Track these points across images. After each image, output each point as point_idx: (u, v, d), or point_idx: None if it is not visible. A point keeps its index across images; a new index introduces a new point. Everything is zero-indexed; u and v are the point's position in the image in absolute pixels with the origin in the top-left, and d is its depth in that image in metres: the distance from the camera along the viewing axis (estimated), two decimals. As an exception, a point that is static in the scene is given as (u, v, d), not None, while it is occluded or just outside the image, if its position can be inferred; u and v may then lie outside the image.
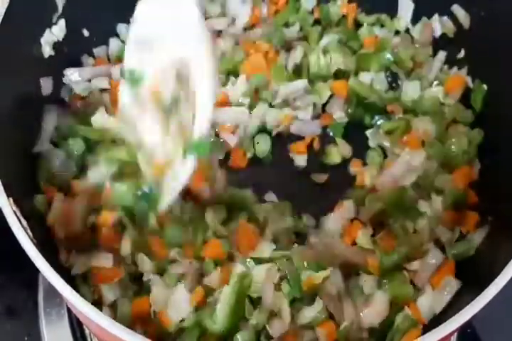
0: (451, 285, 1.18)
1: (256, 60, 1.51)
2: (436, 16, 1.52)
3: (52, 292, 1.37)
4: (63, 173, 1.28)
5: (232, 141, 1.43)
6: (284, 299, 1.16)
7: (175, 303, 1.13)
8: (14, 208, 1.00)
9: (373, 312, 1.16)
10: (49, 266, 0.93)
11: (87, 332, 1.35)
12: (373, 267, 1.21)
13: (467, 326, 1.31)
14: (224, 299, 1.11)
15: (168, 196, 1.08)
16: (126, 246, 1.20)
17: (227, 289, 1.12)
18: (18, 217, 0.99)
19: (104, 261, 1.16)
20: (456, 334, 1.30)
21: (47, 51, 1.33)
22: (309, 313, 1.15)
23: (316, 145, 1.47)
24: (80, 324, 1.35)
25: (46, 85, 1.35)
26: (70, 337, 1.34)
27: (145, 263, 1.20)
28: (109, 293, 1.14)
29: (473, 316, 0.92)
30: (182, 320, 1.13)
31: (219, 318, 1.10)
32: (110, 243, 1.20)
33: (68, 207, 1.19)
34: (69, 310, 1.35)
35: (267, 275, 1.16)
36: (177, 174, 1.06)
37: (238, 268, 1.16)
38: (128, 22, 1.54)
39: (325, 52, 1.52)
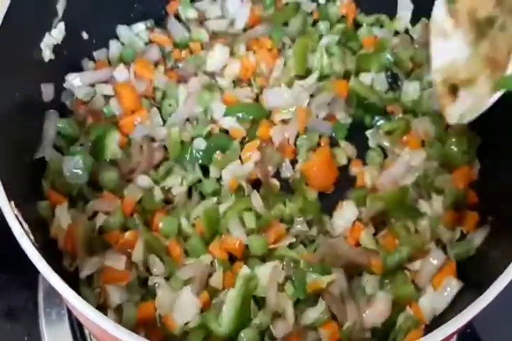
0: (452, 285, 1.18)
1: (261, 55, 1.52)
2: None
3: (52, 292, 1.37)
4: (73, 181, 1.27)
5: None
6: (288, 300, 1.17)
7: (181, 307, 1.13)
8: (16, 212, 1.00)
9: (376, 313, 1.17)
10: (51, 270, 0.93)
11: (86, 332, 1.35)
12: (376, 267, 1.21)
13: (467, 326, 1.31)
14: (229, 302, 1.11)
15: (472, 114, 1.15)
16: (139, 252, 1.20)
17: (232, 292, 1.13)
18: (19, 221, 0.99)
19: (117, 262, 1.16)
20: (456, 334, 1.30)
21: (47, 55, 1.33)
22: (312, 314, 1.16)
23: (324, 145, 1.47)
24: (80, 324, 1.35)
25: (47, 91, 1.35)
26: (70, 337, 1.34)
27: (157, 266, 1.21)
28: (115, 296, 1.14)
29: (474, 316, 0.92)
30: (187, 323, 1.13)
31: (224, 321, 1.10)
32: (123, 246, 1.21)
33: (73, 224, 1.19)
34: (69, 311, 1.35)
35: (271, 275, 1.17)
36: (480, 95, 1.12)
37: (244, 271, 1.17)
38: (127, 23, 1.55)
39: (327, 51, 1.52)
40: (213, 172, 1.37)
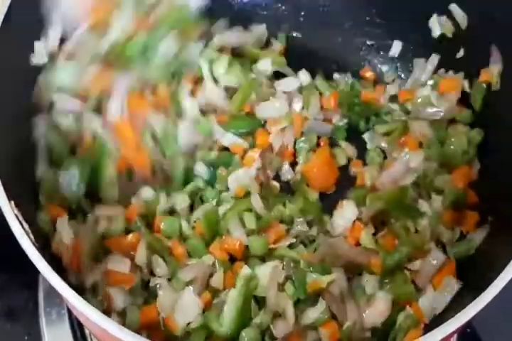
0: (452, 285, 1.18)
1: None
2: (434, 16, 1.51)
3: (52, 292, 1.36)
4: (71, 194, 1.22)
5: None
6: (289, 300, 1.17)
7: (183, 307, 1.13)
8: (16, 212, 0.99)
9: (376, 312, 1.17)
10: (51, 270, 0.93)
11: (87, 332, 1.35)
12: (376, 267, 1.21)
13: (467, 326, 1.32)
14: (230, 302, 1.12)
15: None
16: (141, 255, 1.21)
17: (233, 292, 1.13)
18: (19, 221, 0.99)
19: (121, 266, 1.16)
20: (455, 334, 1.31)
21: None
22: (312, 314, 1.16)
23: (324, 145, 1.47)
24: (80, 324, 1.35)
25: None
26: (70, 337, 1.34)
27: (160, 267, 1.21)
28: (119, 300, 1.14)
29: (473, 316, 0.92)
30: (188, 323, 1.13)
31: (225, 321, 1.11)
32: (126, 249, 1.21)
33: (77, 239, 1.16)
34: (69, 311, 1.35)
35: (271, 275, 1.17)
36: None
37: (244, 271, 1.17)
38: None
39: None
40: (219, 186, 1.36)
